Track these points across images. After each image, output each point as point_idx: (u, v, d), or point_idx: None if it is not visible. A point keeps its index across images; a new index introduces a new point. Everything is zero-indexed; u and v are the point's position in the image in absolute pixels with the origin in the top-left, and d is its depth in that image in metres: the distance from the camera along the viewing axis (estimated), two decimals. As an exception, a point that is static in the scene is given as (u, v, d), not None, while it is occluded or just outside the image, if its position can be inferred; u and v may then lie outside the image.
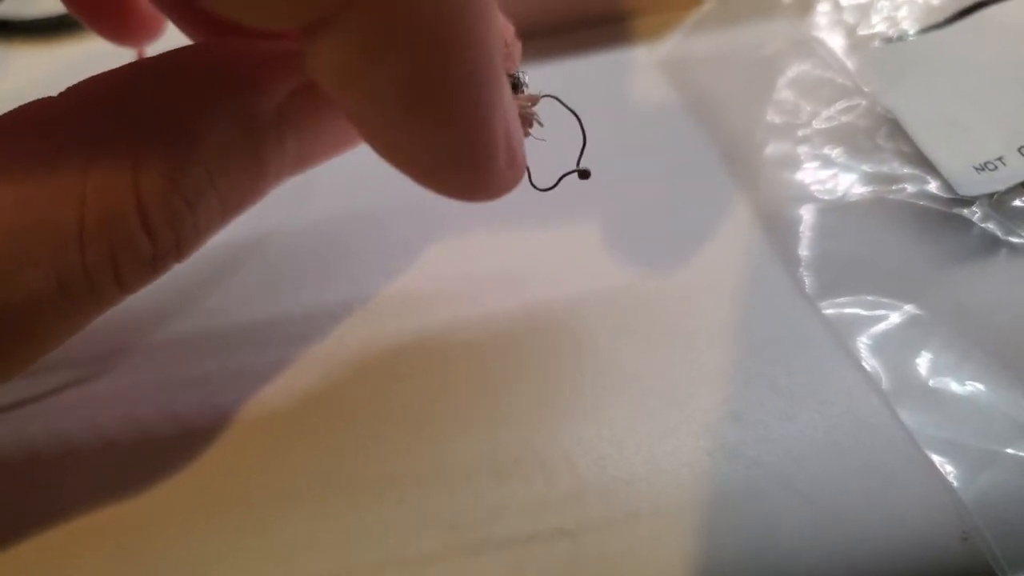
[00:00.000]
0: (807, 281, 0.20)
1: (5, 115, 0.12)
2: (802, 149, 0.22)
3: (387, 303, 0.20)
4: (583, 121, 0.15)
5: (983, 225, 0.20)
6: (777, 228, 0.21)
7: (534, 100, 0.14)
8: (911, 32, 0.23)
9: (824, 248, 0.20)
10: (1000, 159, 0.20)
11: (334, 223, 0.23)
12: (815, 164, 0.22)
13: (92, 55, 0.30)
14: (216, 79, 0.12)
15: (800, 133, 0.22)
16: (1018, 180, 0.19)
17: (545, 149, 0.15)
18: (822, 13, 0.24)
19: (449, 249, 0.21)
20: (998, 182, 0.20)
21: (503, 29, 0.14)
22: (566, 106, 0.14)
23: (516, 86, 0.15)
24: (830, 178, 0.21)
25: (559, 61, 0.27)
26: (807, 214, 0.21)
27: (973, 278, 0.19)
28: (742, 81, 0.24)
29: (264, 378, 0.19)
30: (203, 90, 0.12)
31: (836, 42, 0.24)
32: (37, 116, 0.12)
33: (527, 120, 0.14)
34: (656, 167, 0.23)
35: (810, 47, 0.24)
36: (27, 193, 0.11)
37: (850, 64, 0.23)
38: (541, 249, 0.21)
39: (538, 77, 0.26)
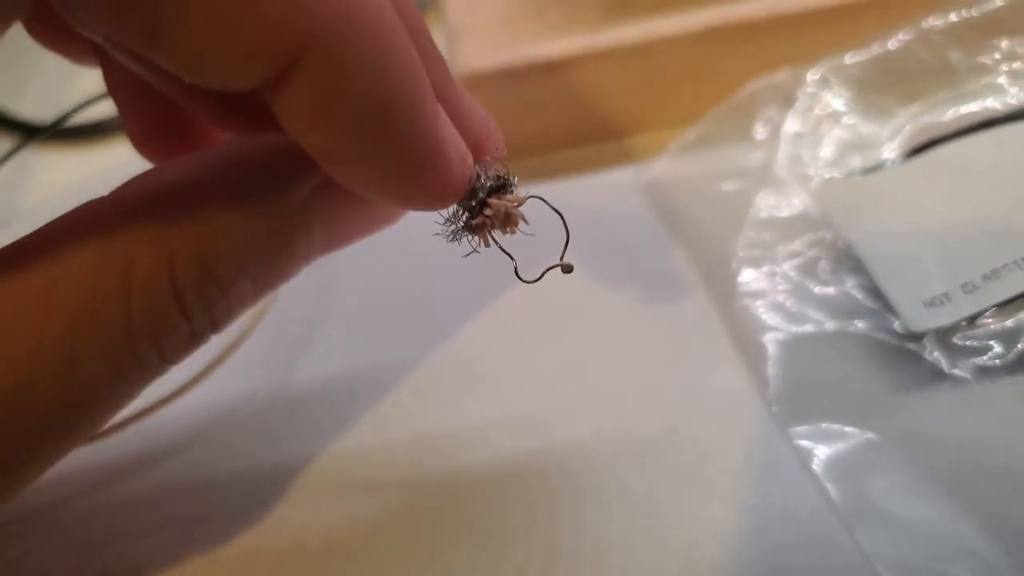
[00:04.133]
0: (774, 407, 0.22)
1: (61, 217, 0.14)
2: (771, 280, 0.25)
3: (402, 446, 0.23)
4: (571, 229, 0.16)
5: (931, 358, 0.22)
6: (749, 354, 0.23)
7: (520, 201, 0.15)
8: (870, 168, 0.26)
9: (790, 376, 0.23)
10: (946, 295, 0.22)
11: (341, 372, 0.25)
12: (783, 295, 0.24)
13: (121, 160, 0.33)
14: (244, 175, 0.14)
15: (769, 265, 0.25)
16: (959, 317, 0.22)
17: (532, 246, 0.16)
18: (789, 146, 0.27)
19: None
20: (943, 317, 0.22)
21: (482, 123, 0.16)
22: (551, 206, 0.16)
23: (505, 186, 0.16)
24: (797, 309, 0.24)
25: (551, 181, 0.29)
26: (775, 343, 0.23)
27: (923, 407, 0.21)
28: (719, 209, 0.27)
29: (261, 520, 0.22)
30: (232, 187, 0.14)
31: (803, 176, 0.26)
32: (86, 219, 0.14)
33: (513, 219, 0.16)
34: (639, 291, 0.26)
35: (780, 179, 0.26)
36: (81, 294, 0.13)
37: (814, 199, 0.26)
38: (512, 389, 0.24)
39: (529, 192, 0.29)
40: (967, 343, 0.22)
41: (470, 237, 0.15)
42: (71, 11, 0.11)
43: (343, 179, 0.14)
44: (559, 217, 0.16)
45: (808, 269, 0.25)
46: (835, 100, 0.27)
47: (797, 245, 0.25)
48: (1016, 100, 0.26)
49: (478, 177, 0.15)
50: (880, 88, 0.27)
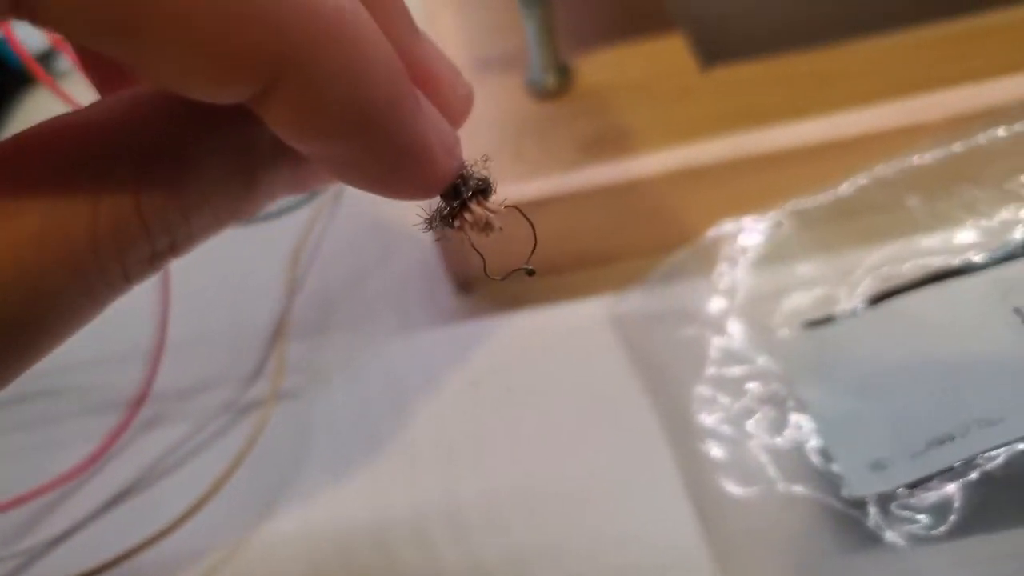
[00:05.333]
0: (722, 563, 0.23)
1: (32, 129, 0.15)
2: (727, 431, 0.25)
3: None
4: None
5: (871, 524, 0.23)
6: (701, 506, 0.24)
7: (499, 211, 0.16)
8: (826, 319, 0.27)
9: (739, 533, 0.23)
10: (889, 459, 0.23)
11: (317, 521, 0.26)
12: (737, 447, 0.25)
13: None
14: (215, 110, 0.15)
15: (724, 415, 0.26)
16: (899, 483, 0.22)
17: (503, 252, 0.18)
18: (749, 294, 0.28)
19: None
20: (884, 483, 0.23)
21: (450, 87, 0.17)
22: (525, 216, 0.18)
23: (486, 191, 0.16)
24: (750, 463, 0.25)
25: (524, 308, 0.31)
26: (726, 498, 0.24)
27: (862, 571, 0.22)
28: (680, 352, 0.27)
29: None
30: (203, 119, 0.15)
31: (761, 326, 0.27)
32: (55, 133, 0.14)
33: (490, 225, 0.16)
34: (600, 428, 0.27)
35: (738, 328, 0.27)
36: (50, 205, 0.14)
37: (770, 351, 0.26)
38: (489, 532, 0.25)
39: (504, 324, 0.30)
40: (904, 511, 0.22)
41: (444, 230, 0.16)
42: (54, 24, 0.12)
43: (334, 176, 0.15)
44: (530, 226, 0.17)
45: (762, 422, 0.25)
46: (794, 246, 0.28)
47: (753, 397, 0.26)
48: (970, 251, 0.27)
49: (462, 177, 0.16)
50: (839, 234, 0.28)
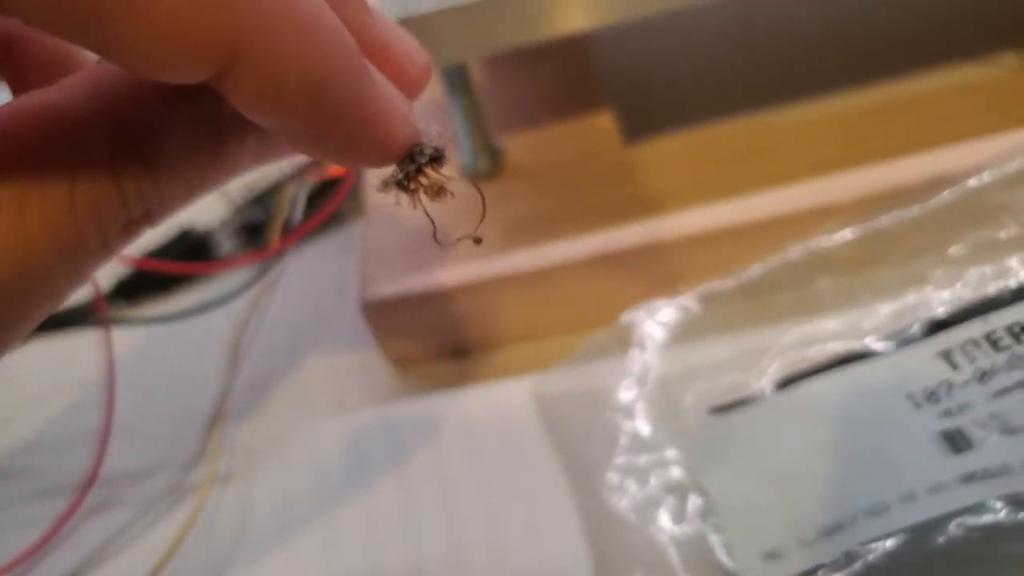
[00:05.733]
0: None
1: (10, 104, 0.16)
2: (635, 516, 0.26)
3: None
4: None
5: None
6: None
7: (451, 178, 0.18)
8: (732, 404, 0.28)
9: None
10: (782, 549, 0.24)
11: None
12: (645, 533, 0.26)
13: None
14: (181, 87, 0.15)
15: (634, 500, 0.27)
16: (788, 574, 0.23)
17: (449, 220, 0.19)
18: (659, 378, 0.29)
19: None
20: (774, 573, 0.23)
21: (403, 58, 0.18)
22: (476, 186, 0.19)
23: (439, 159, 0.17)
24: (656, 550, 0.26)
25: (448, 387, 0.32)
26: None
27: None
28: (593, 435, 0.28)
29: None
30: (170, 95, 0.16)
31: (669, 410, 0.28)
32: (35, 106, 0.15)
33: (444, 190, 0.17)
34: (515, 507, 0.28)
35: (648, 412, 0.28)
36: (32, 174, 0.15)
37: (677, 437, 0.27)
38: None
39: (435, 401, 0.31)
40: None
41: (401, 195, 0.17)
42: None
43: (296, 149, 0.16)
44: (479, 195, 0.19)
45: (667, 511, 0.26)
46: (705, 329, 0.29)
47: (659, 486, 0.27)
48: (874, 335, 0.28)
49: (418, 145, 0.17)
50: (750, 316, 0.29)
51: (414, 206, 0.18)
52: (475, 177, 0.34)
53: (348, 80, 0.15)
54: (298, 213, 0.37)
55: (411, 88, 0.18)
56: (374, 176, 0.17)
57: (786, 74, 0.36)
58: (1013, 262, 0.28)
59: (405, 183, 0.17)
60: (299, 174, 0.39)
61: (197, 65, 0.14)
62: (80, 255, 0.15)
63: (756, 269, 0.29)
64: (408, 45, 0.18)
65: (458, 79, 0.32)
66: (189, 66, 0.14)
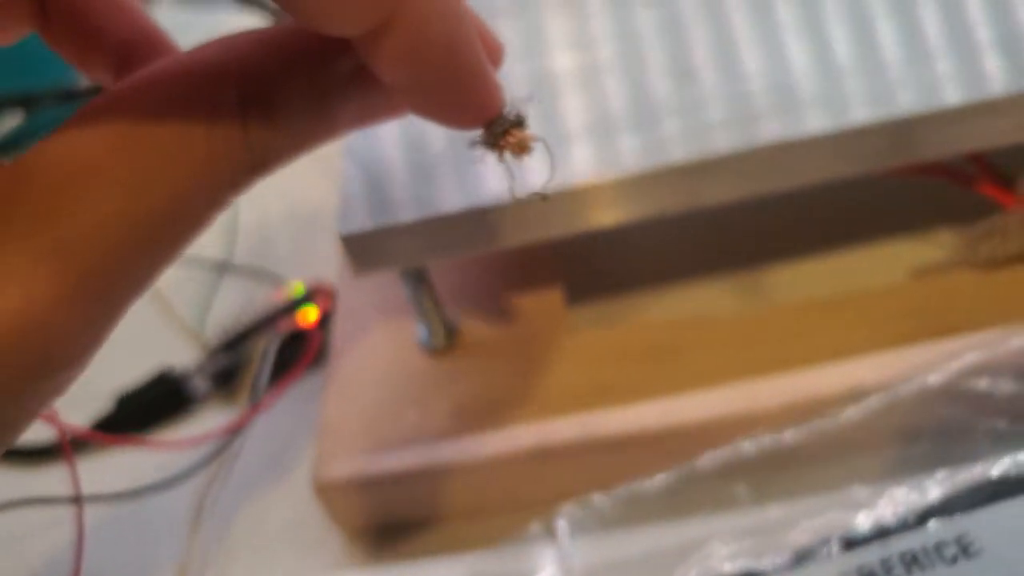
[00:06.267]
0: None
1: (152, 71, 0.19)
2: None
3: None
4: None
5: None
6: None
7: (534, 137, 0.21)
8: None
9: None
10: None
11: None
12: None
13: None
14: (303, 50, 0.19)
15: None
16: None
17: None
18: (578, 571, 0.31)
19: None
20: None
21: (492, 39, 0.22)
22: (549, 149, 0.22)
23: (521, 123, 0.21)
24: None
25: (403, 562, 0.34)
26: None
27: None
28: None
29: None
30: (293, 56, 0.19)
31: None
32: (171, 75, 0.18)
33: (525, 148, 0.21)
34: None
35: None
36: (176, 131, 0.18)
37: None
38: None
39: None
40: None
41: (486, 154, 0.21)
42: None
43: (414, 105, 0.20)
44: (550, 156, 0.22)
45: None
46: (622, 531, 0.31)
47: None
48: (784, 549, 0.30)
49: (502, 112, 0.20)
50: (667, 519, 0.31)
51: (500, 160, 0.21)
52: (431, 352, 0.36)
53: (470, 48, 0.18)
54: (267, 369, 0.39)
55: (496, 66, 0.22)
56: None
57: (730, 263, 0.38)
58: (930, 483, 0.30)
59: (493, 142, 0.21)
60: (271, 323, 0.42)
61: (364, 19, 0.17)
62: (215, 191, 0.18)
63: (677, 472, 0.31)
64: (485, 27, 0.22)
65: (418, 275, 0.34)
66: (357, 20, 0.17)
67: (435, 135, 0.33)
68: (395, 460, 0.34)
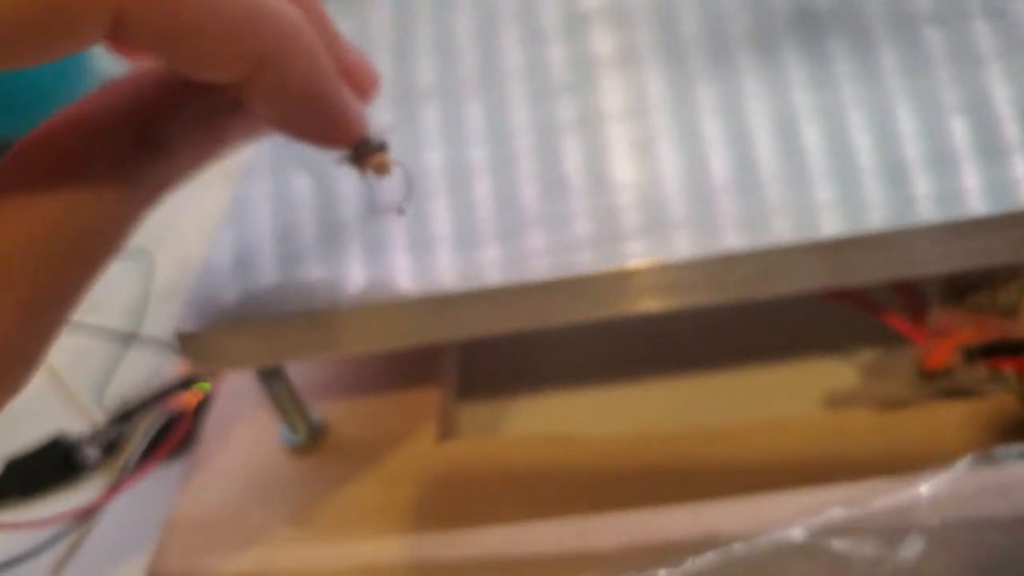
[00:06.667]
0: None
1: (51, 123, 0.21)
2: None
3: None
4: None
5: None
6: None
7: (393, 161, 0.24)
8: None
9: None
10: None
11: None
12: None
13: None
14: (189, 87, 0.22)
15: None
16: None
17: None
18: None
19: None
20: None
21: (366, 70, 0.25)
22: (406, 171, 0.26)
23: (383, 146, 0.24)
24: None
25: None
26: None
27: None
28: None
29: None
30: (182, 92, 0.22)
31: None
32: (78, 121, 0.21)
33: (385, 169, 0.24)
34: None
35: None
36: (81, 176, 0.20)
37: None
38: None
39: None
40: None
41: (351, 168, 0.24)
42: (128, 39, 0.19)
43: (284, 132, 0.23)
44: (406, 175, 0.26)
45: None
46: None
47: None
48: None
49: (366, 137, 0.24)
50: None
51: (363, 177, 0.24)
52: (293, 449, 0.35)
53: (328, 86, 0.22)
54: (140, 448, 0.39)
55: (365, 95, 0.25)
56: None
57: (621, 372, 0.36)
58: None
59: (357, 161, 0.24)
60: (163, 398, 0.41)
61: (234, 70, 0.20)
62: (121, 224, 0.21)
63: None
64: (364, 63, 0.25)
65: (271, 372, 0.33)
66: (229, 71, 0.20)
67: (304, 227, 0.32)
68: (228, 563, 0.32)
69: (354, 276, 0.31)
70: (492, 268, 0.30)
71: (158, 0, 0.19)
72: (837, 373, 0.35)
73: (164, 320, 0.45)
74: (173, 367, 0.43)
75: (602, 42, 0.35)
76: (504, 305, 0.30)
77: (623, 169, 0.32)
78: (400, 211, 0.27)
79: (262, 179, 0.34)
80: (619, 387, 0.37)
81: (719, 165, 0.31)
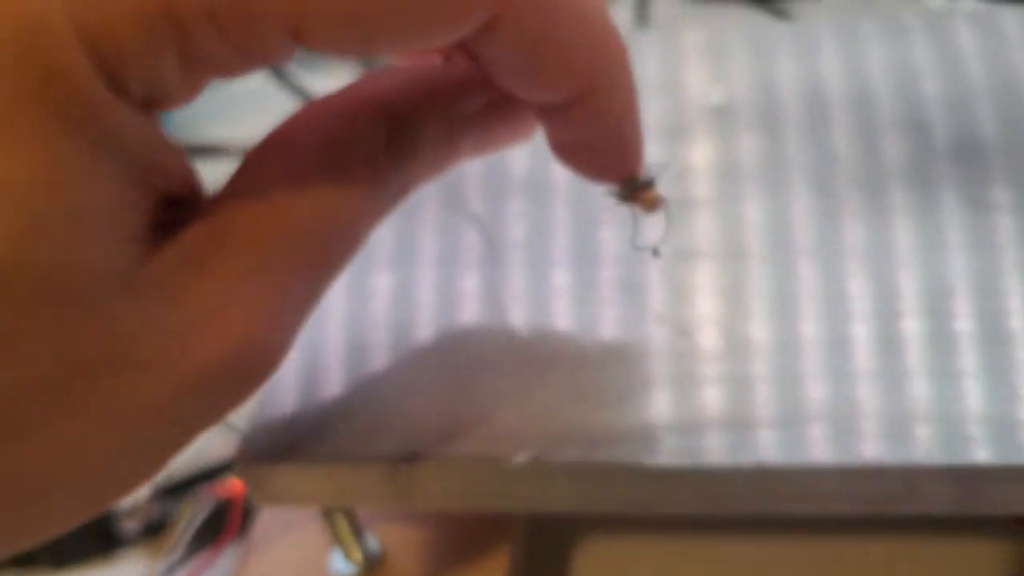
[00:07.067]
0: None
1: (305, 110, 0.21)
2: None
3: None
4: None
5: None
6: None
7: (664, 199, 0.23)
8: None
9: None
10: None
11: None
12: None
13: None
14: (440, 88, 0.22)
15: None
16: None
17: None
18: None
19: None
20: None
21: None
22: (668, 210, 0.23)
23: (652, 183, 0.23)
24: None
25: None
26: None
27: None
28: None
29: None
30: (432, 93, 0.22)
31: None
32: (336, 112, 0.21)
33: (658, 205, 0.23)
34: None
35: None
36: (341, 167, 0.20)
37: None
38: None
39: None
40: None
41: (620, 205, 0.23)
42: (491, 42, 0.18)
43: (574, 161, 0.22)
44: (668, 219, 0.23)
45: None
46: None
47: None
48: None
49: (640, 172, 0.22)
50: None
51: (633, 214, 0.23)
52: (347, 579, 0.32)
53: (637, 115, 0.21)
54: (187, 537, 0.36)
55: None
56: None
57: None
58: None
59: (628, 196, 0.23)
60: (211, 478, 0.39)
61: (567, 94, 0.20)
62: (373, 217, 0.21)
63: None
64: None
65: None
66: (563, 95, 0.20)
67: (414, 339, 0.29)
68: None
69: (445, 421, 0.27)
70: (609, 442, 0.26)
71: (538, 8, 0.18)
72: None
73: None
74: (225, 443, 0.40)
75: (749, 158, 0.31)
76: (620, 485, 0.26)
77: (758, 328, 0.28)
78: (656, 253, 0.25)
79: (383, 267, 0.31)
80: (702, 541, 0.34)
81: (863, 343, 0.27)
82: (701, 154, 0.32)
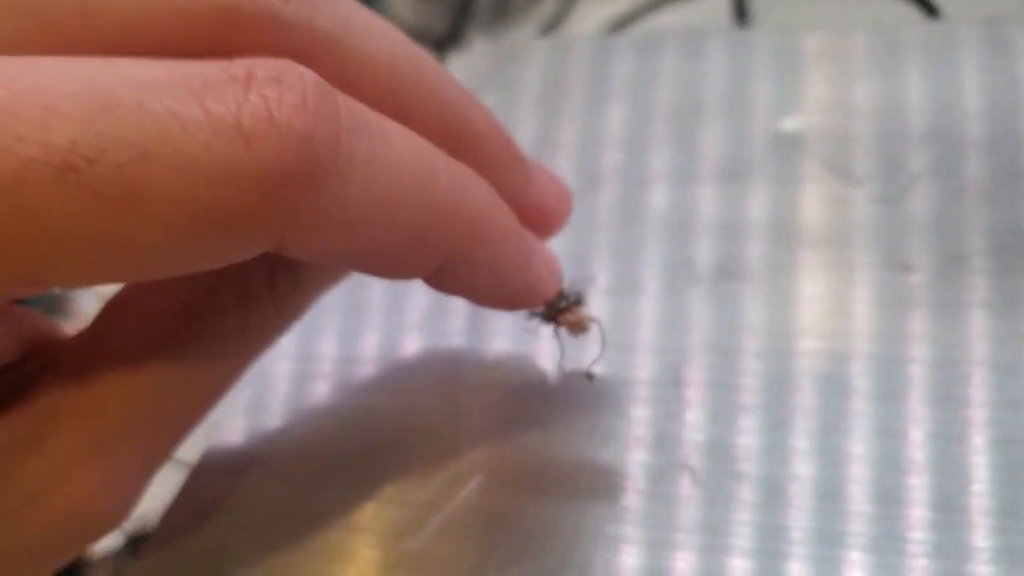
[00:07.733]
0: None
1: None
2: None
3: None
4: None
5: None
6: None
7: (591, 319, 0.22)
8: None
9: None
10: None
11: None
12: None
13: None
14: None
15: None
16: None
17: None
18: None
19: None
20: None
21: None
22: (602, 331, 0.22)
23: (580, 302, 0.22)
24: None
25: None
26: None
27: None
28: None
29: None
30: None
31: None
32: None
33: (583, 327, 0.22)
34: None
35: None
36: (214, 309, 0.19)
37: None
38: None
39: None
40: None
41: (542, 326, 0.22)
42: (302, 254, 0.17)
43: (477, 302, 0.22)
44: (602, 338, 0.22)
45: None
46: None
47: None
48: None
49: (562, 290, 0.22)
50: None
51: (555, 335, 0.22)
52: None
53: (522, 265, 0.20)
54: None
55: (556, 224, 0.22)
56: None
57: None
58: None
59: (551, 317, 0.22)
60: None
61: (420, 274, 0.19)
62: (250, 358, 0.20)
63: None
64: (553, 188, 0.22)
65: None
66: (415, 275, 0.19)
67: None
68: None
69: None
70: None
71: (326, 231, 0.17)
72: None
73: (198, 443, 0.37)
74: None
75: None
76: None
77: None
78: (589, 376, 0.23)
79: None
80: None
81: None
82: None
